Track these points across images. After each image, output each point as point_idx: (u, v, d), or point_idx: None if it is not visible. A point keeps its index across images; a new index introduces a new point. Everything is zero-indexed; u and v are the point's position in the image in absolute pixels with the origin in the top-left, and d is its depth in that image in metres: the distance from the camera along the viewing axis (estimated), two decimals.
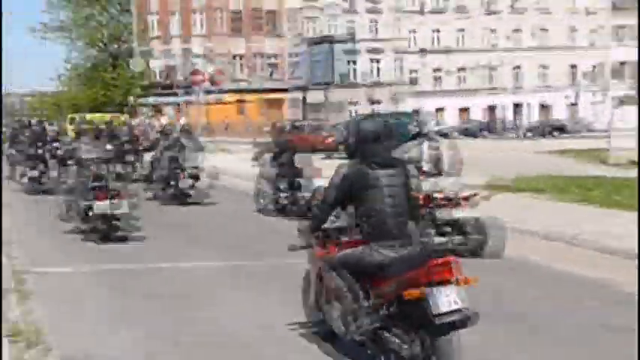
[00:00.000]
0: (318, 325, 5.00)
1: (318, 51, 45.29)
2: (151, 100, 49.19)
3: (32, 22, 77.08)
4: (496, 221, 8.27)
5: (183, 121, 37.50)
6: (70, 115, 48.79)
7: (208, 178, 13.33)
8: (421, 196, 8.09)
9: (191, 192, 13.30)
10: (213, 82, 46.84)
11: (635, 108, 19.13)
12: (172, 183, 13.50)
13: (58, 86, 62.83)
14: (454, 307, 4.03)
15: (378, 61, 52.29)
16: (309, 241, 4.93)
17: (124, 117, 25.35)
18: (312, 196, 10.43)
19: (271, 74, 50.98)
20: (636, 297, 5.99)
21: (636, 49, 36.82)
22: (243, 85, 49.78)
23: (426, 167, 8.58)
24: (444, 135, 20.75)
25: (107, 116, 42.00)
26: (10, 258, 7.95)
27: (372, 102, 50.96)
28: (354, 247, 4.54)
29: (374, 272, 4.39)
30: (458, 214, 8.28)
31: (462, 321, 4.01)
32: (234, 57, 50.07)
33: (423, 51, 52.75)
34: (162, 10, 49.05)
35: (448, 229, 8.40)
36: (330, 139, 28.68)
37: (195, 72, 42.56)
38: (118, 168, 16.61)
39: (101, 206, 9.17)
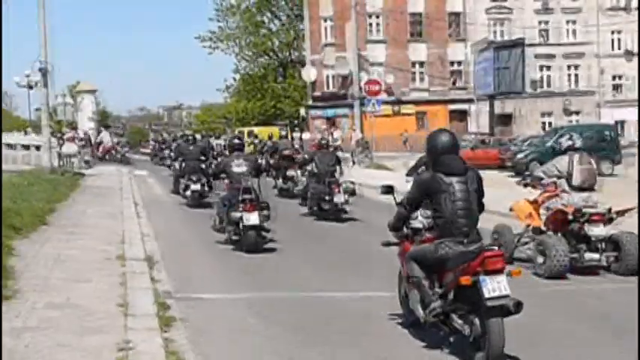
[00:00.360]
0: (407, 313, 6.44)
1: (507, 56, 45.96)
2: (324, 112, 52.12)
3: (201, 31, 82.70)
4: None
5: (358, 135, 40.24)
6: (238, 129, 53.42)
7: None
8: (570, 210, 9.36)
9: (347, 207, 14.58)
10: (390, 92, 49.29)
11: None
12: (327, 198, 14.73)
13: (227, 98, 67.80)
14: (504, 292, 5.44)
15: (576, 67, 52.21)
16: (398, 238, 6.48)
17: (281, 130, 27.57)
18: None
19: (454, 83, 52.37)
20: None
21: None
22: (423, 95, 51.45)
23: (575, 182, 9.68)
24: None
25: (276, 129, 45.80)
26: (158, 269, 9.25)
27: (570, 112, 51.02)
28: (429, 244, 6.03)
29: (440, 264, 5.88)
30: (607, 230, 9.25)
31: (510, 306, 5.37)
32: (413, 64, 51.76)
33: (629, 54, 52.05)
34: (337, 15, 51.43)
35: (601, 245, 9.36)
36: (520, 155, 28.49)
37: (371, 81, 45.01)
38: (280, 183, 19.51)
39: (250, 218, 11.08)
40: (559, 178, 9.97)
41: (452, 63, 52.31)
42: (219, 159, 17.16)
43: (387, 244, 6.66)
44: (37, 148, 28.69)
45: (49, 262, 9.34)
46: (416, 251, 6.23)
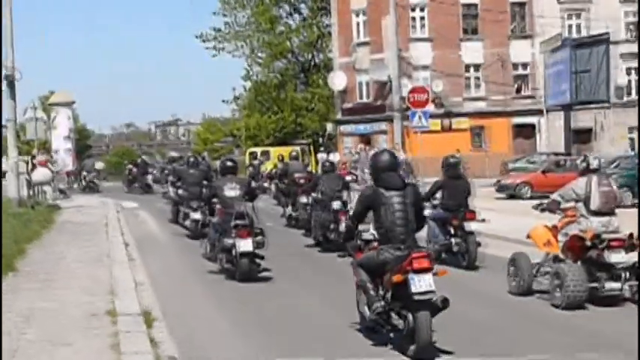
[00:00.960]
0: (360, 318, 8.94)
1: (588, 56, 45.56)
2: (356, 127, 52.15)
3: (204, 28, 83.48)
4: None
5: (401, 155, 40.08)
6: (249, 150, 53.58)
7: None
8: (588, 236, 10.65)
9: None
10: (439, 103, 49.19)
11: None
12: (332, 227, 15.95)
13: (235, 111, 68.16)
14: (430, 288, 8.04)
15: None
16: (350, 250, 9.24)
17: (292, 152, 28.14)
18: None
19: (519, 90, 52.14)
20: None
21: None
22: (480, 106, 51.24)
23: (594, 206, 10.87)
24: None
25: (297, 149, 45.86)
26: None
27: None
28: (373, 251, 8.61)
29: (382, 268, 8.39)
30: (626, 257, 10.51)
31: (438, 301, 7.98)
32: (467, 68, 51.60)
33: None
34: (371, 7, 51.42)
35: (623, 273, 10.47)
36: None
37: (415, 89, 44.89)
38: (289, 210, 21.09)
39: (243, 244, 12.84)
40: (577, 201, 11.21)
41: (515, 66, 52.09)
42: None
43: (343, 255, 9.59)
44: (2, 174, 28.75)
45: (19, 319, 9.27)
46: (362, 258, 8.85)
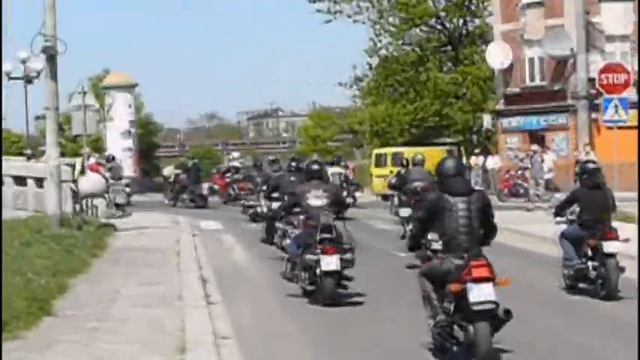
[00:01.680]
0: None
1: None
2: (524, 121, 51.50)
3: None
4: None
5: (584, 155, 39.18)
6: (375, 151, 53.54)
7: None
8: None
9: None
10: None
11: None
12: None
13: (355, 98, 68.24)
14: (489, 298, 10.26)
15: None
16: (419, 259, 11.71)
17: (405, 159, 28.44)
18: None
19: None
20: None
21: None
22: None
23: None
24: None
25: (443, 151, 45.51)
26: None
27: None
28: (437, 260, 10.97)
29: (445, 278, 10.63)
30: None
31: (500, 313, 10.31)
32: None
33: None
34: None
35: None
36: None
37: (610, 67, 43.77)
38: (408, 228, 22.05)
39: (329, 262, 14.79)
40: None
41: None
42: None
43: (411, 266, 12.02)
44: (39, 181, 29.18)
45: None
46: (426, 268, 11.28)
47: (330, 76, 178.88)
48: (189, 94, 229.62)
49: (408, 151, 50.30)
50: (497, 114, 53.71)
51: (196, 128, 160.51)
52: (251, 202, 31.56)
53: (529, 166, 40.73)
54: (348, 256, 15.01)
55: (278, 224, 20.90)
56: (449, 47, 62.54)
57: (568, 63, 49.68)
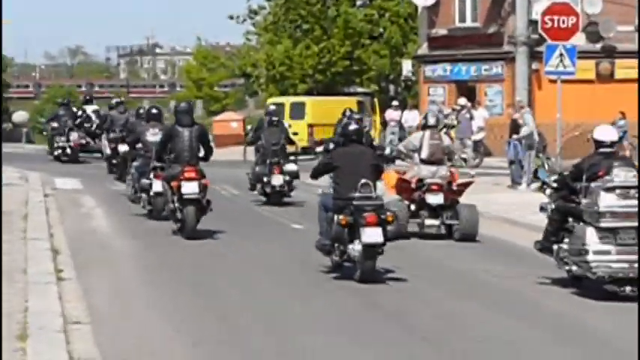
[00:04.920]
0: None
1: None
2: (451, 69, 51.84)
3: None
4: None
5: (527, 117, 39.57)
6: (271, 101, 53.38)
7: None
8: (413, 180, 21.94)
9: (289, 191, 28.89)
10: (593, 35, 48.48)
11: None
12: (266, 180, 28.23)
13: (249, 35, 68.10)
14: (195, 190, 21.15)
15: None
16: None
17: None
18: None
19: None
20: None
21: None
22: None
23: (423, 155, 22.03)
24: None
25: (353, 102, 45.66)
26: None
27: None
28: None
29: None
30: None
31: (202, 201, 21.31)
32: None
33: None
34: None
35: (442, 213, 21.93)
36: None
37: (555, 9, 43.87)
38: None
39: (158, 184, 22.67)
40: (414, 152, 22.22)
41: None
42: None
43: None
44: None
45: None
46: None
47: (220, 7, 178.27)
48: (48, 23, 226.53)
49: (311, 101, 50.78)
50: (420, 60, 54.24)
51: (56, 65, 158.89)
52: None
53: (455, 123, 40.95)
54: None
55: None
56: None
57: (506, 1, 50.09)
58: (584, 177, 16.33)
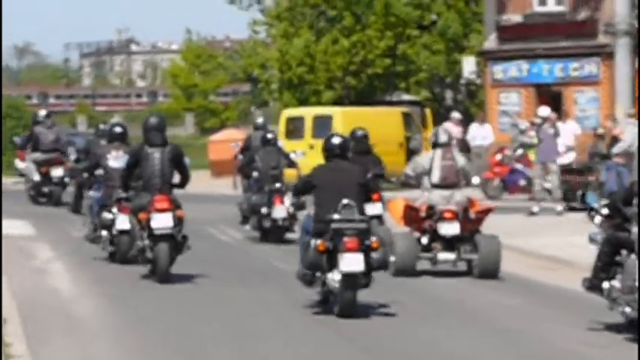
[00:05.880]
0: None
1: None
2: (528, 68, 51.95)
3: None
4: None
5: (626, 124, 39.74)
6: (286, 112, 53.77)
7: None
8: (422, 208, 24.32)
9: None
10: None
11: None
12: (265, 212, 30.06)
13: (256, 26, 68.78)
14: (168, 225, 22.74)
15: None
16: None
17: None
18: None
19: None
20: None
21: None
22: None
23: (434, 179, 24.30)
24: None
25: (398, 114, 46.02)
26: None
27: None
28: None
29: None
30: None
31: (176, 236, 23.04)
32: None
33: None
34: None
35: (458, 245, 23.94)
36: None
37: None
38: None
39: (123, 220, 24.29)
40: (423, 175, 24.43)
41: None
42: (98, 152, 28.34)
43: None
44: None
45: None
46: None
47: None
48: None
49: (343, 112, 50.75)
50: (486, 57, 54.47)
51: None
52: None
53: (535, 142, 40.78)
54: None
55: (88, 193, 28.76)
56: None
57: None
58: (635, 201, 17.10)
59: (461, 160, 25.03)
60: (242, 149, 35.16)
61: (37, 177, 38.87)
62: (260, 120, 40.19)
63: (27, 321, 18.42)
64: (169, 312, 20.08)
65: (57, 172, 32.35)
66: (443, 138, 24.67)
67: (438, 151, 24.16)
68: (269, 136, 32.02)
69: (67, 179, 38.86)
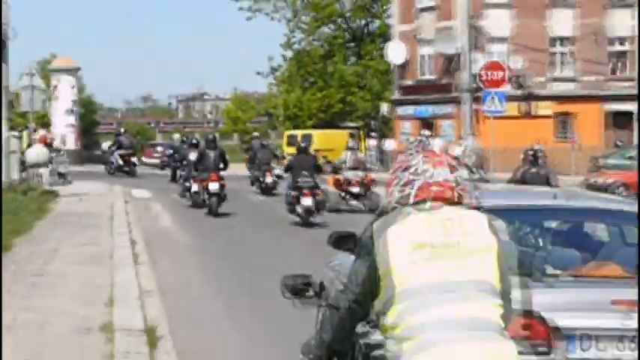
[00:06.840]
0: None
1: None
2: (416, 110, 51.76)
3: None
4: None
5: (472, 144, 39.49)
6: (287, 133, 53.43)
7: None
8: (342, 179, 26.09)
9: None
10: (518, 83, 48.50)
11: None
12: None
13: (272, 86, 67.95)
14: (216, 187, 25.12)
15: None
16: None
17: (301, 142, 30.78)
18: None
19: (614, 71, 51.19)
20: None
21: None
22: (568, 87, 50.36)
23: (348, 164, 26.41)
24: None
25: (346, 134, 45.60)
26: None
27: None
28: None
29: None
30: None
31: None
32: (553, 41, 50.68)
33: None
34: None
35: (358, 197, 25.86)
36: None
37: (490, 65, 44.19)
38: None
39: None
40: (344, 163, 26.47)
41: (612, 41, 50.89)
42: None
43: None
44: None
45: None
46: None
47: (251, 65, 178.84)
48: (128, 78, 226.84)
49: (317, 133, 50.83)
50: (394, 103, 54.00)
51: (132, 108, 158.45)
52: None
53: (419, 148, 40.89)
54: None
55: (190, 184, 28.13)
56: (353, 44, 62.84)
57: (455, 60, 50.03)
58: None
59: (360, 155, 28.39)
60: (248, 149, 37.16)
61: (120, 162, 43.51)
62: (256, 134, 43.05)
63: (148, 244, 18.25)
64: (219, 232, 21.04)
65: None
66: (352, 144, 28.43)
67: (349, 152, 26.72)
68: (264, 142, 37.39)
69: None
